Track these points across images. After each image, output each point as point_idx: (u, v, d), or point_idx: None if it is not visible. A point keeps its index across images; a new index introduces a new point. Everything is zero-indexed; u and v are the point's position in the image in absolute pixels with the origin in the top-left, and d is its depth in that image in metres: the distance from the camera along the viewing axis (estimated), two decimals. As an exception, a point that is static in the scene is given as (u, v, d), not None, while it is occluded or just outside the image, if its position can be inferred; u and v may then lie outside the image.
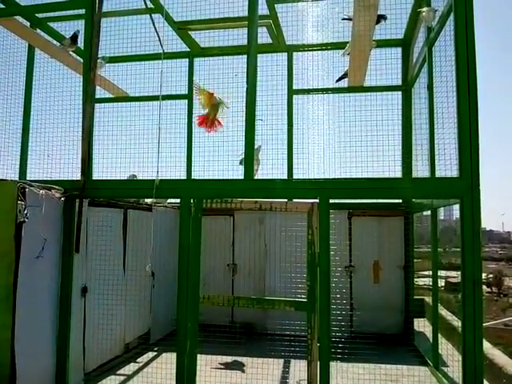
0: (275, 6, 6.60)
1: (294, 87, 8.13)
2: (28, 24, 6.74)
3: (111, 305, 5.79)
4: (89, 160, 5.23)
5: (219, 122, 6.47)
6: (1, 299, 4.28)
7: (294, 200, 5.14)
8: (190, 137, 8.31)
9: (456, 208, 4.64)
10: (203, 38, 7.86)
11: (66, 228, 5.08)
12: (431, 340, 6.25)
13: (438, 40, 5.58)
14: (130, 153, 7.81)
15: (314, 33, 7.42)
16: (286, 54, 8.08)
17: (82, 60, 6.12)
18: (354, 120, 7.56)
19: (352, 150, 7.43)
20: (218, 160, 7.81)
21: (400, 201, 7.64)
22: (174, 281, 4.99)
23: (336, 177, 6.27)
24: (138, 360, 6.55)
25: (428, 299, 8.00)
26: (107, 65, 7.61)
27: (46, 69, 7.32)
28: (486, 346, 6.24)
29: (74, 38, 6.65)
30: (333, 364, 4.63)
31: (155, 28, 5.82)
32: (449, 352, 5.82)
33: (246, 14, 5.32)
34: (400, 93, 7.92)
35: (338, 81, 7.53)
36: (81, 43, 6.28)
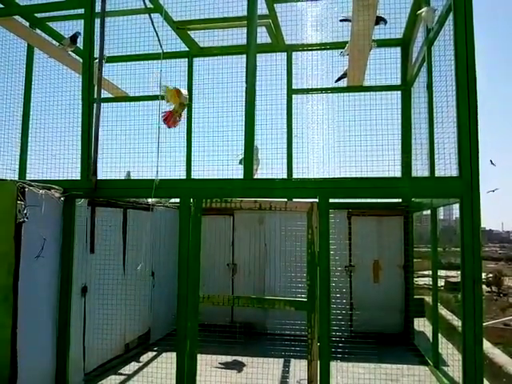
0: (274, 5, 6.60)
1: (294, 87, 8.14)
2: (27, 24, 6.73)
3: (111, 304, 5.79)
4: (95, 160, 5.23)
5: (180, 118, 6.44)
6: (0, 299, 4.27)
7: (294, 199, 5.14)
8: (189, 136, 8.31)
9: (456, 207, 4.65)
10: (202, 38, 7.86)
11: (65, 228, 5.08)
12: (431, 339, 6.26)
13: (438, 39, 5.58)
14: (129, 153, 7.81)
15: (314, 32, 7.45)
16: (286, 53, 8.09)
17: (81, 60, 6.13)
18: (353, 119, 7.58)
19: (351, 150, 7.44)
20: (218, 159, 7.82)
21: (400, 200, 7.65)
22: (174, 280, 4.99)
23: (335, 176, 6.26)
24: (139, 360, 6.55)
25: (428, 299, 8.01)
26: (106, 64, 7.60)
27: (46, 68, 7.32)
28: (486, 345, 6.24)
29: (74, 38, 6.64)
30: (333, 363, 4.64)
31: (154, 28, 5.82)
32: (449, 351, 5.82)
33: (245, 13, 5.32)
34: (399, 92, 7.93)
35: (337, 81, 7.53)
36: (80, 43, 6.28)
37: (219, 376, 5.38)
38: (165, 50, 6.26)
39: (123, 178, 7.40)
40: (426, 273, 9.16)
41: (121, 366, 6.22)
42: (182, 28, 7.09)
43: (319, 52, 7.85)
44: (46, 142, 7.16)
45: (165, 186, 5.01)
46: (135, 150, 7.81)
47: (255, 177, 5.76)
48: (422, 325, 7.73)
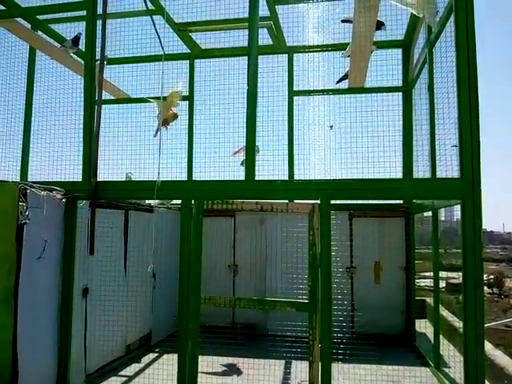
0: (276, 7, 6.61)
1: (295, 88, 8.15)
2: (29, 26, 6.75)
3: (112, 306, 5.80)
4: (95, 162, 5.24)
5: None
6: (2, 301, 4.28)
7: (295, 201, 5.14)
8: (190, 138, 8.32)
9: (457, 209, 4.64)
10: (204, 40, 7.87)
11: (67, 229, 5.09)
12: (432, 341, 6.25)
13: (439, 41, 5.59)
14: (131, 154, 7.82)
15: (315, 34, 7.44)
16: (287, 55, 8.10)
17: (82, 61, 6.14)
18: (354, 121, 7.58)
19: (353, 151, 7.44)
20: (219, 161, 7.83)
21: (401, 202, 7.65)
22: (176, 282, 4.99)
23: (337, 178, 6.27)
24: (140, 361, 6.55)
25: (429, 300, 8.00)
26: (108, 66, 7.63)
27: (47, 70, 7.33)
28: (488, 346, 6.23)
29: (76, 40, 6.65)
30: (334, 365, 4.63)
31: (156, 29, 5.84)
32: (450, 353, 5.81)
33: (246, 15, 5.34)
34: (400, 94, 7.93)
35: (338, 82, 7.54)
36: (82, 45, 6.30)
37: (220, 377, 5.38)
38: (166, 52, 6.28)
39: (124, 179, 7.41)
40: (427, 274, 9.16)
41: (122, 368, 6.22)
42: (183, 30, 7.10)
43: (320, 54, 7.85)
44: (47, 144, 7.17)
45: (166, 187, 5.02)
46: (137, 152, 7.82)
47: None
48: (424, 326, 7.73)
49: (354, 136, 7.49)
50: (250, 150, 4.97)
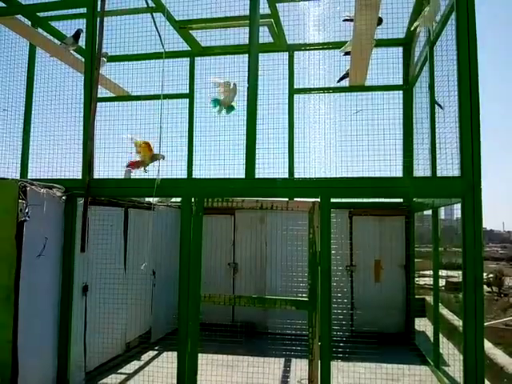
0: (276, 5, 6.59)
1: (295, 86, 8.14)
2: (29, 23, 6.74)
3: (112, 303, 5.80)
4: (90, 159, 5.24)
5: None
6: (2, 299, 4.28)
7: (295, 199, 5.14)
8: (190, 136, 8.31)
9: (457, 207, 4.64)
10: (204, 37, 7.85)
11: (67, 227, 5.09)
12: (432, 339, 6.25)
13: (440, 39, 5.58)
14: (131, 152, 7.80)
15: (315, 32, 7.42)
16: (287, 53, 8.08)
17: (83, 58, 6.13)
18: (355, 119, 7.57)
19: (353, 150, 7.43)
20: (219, 159, 7.82)
21: (401, 200, 7.64)
22: (175, 280, 5.00)
23: (337, 176, 6.27)
24: (139, 359, 6.55)
25: (429, 298, 8.00)
26: (108, 63, 7.61)
27: (48, 67, 7.32)
28: (487, 345, 6.24)
29: (77, 35, 6.63)
30: (334, 363, 4.64)
31: (156, 27, 5.83)
32: (449, 351, 5.82)
33: (247, 13, 5.32)
34: (401, 92, 7.92)
35: (339, 81, 7.53)
36: (82, 42, 6.28)
37: (220, 375, 5.38)
38: (167, 50, 6.27)
39: (123, 176, 7.40)
40: (427, 273, 9.16)
41: (122, 365, 6.23)
42: (184, 27, 7.08)
43: (321, 51, 7.84)
44: (47, 141, 7.16)
45: (166, 185, 5.01)
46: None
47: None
48: (423, 325, 7.73)
49: (354, 134, 7.48)
50: (250, 147, 4.96)
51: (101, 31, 5.25)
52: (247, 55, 5.13)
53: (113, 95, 8.25)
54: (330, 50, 7.73)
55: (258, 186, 4.91)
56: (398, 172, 7.34)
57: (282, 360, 6.39)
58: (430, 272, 6.48)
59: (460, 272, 4.39)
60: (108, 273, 5.79)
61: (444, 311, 7.56)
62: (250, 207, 4.99)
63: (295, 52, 8.10)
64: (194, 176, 8.14)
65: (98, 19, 5.29)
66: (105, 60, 7.14)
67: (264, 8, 6.37)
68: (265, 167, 7.48)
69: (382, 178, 6.19)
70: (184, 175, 8.11)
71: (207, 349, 5.46)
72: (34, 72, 7.15)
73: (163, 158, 6.16)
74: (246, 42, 5.26)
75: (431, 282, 6.49)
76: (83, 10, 5.57)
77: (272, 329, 7.39)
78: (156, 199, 7.08)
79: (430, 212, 6.38)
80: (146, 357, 6.67)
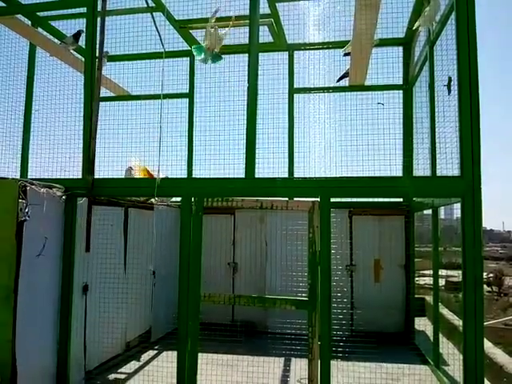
0: (276, 4, 6.59)
1: (295, 86, 8.14)
2: (29, 22, 6.74)
3: (112, 303, 5.80)
4: (92, 159, 5.24)
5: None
6: (2, 298, 4.28)
7: (295, 199, 5.14)
8: (190, 135, 8.32)
9: (457, 207, 4.64)
10: (204, 37, 7.83)
11: (66, 226, 5.09)
12: (432, 339, 6.26)
13: (440, 39, 5.58)
14: (131, 151, 7.82)
15: (315, 31, 7.42)
16: (287, 52, 8.09)
17: (83, 58, 6.13)
18: (354, 119, 7.58)
19: (353, 149, 7.44)
20: (219, 158, 7.82)
21: (401, 200, 7.64)
22: (175, 279, 5.00)
23: (337, 176, 6.26)
24: (139, 358, 6.56)
25: (429, 298, 8.00)
26: (108, 63, 7.62)
27: (48, 67, 7.32)
28: (487, 345, 6.25)
29: (77, 36, 6.63)
30: (333, 362, 4.64)
31: (156, 27, 5.83)
32: (449, 351, 5.82)
33: (247, 12, 5.32)
34: (401, 92, 7.92)
35: (339, 80, 7.54)
36: (82, 42, 6.28)
37: (220, 375, 5.38)
38: (166, 49, 6.27)
39: (124, 175, 7.41)
40: (426, 272, 9.15)
41: (122, 365, 6.23)
42: (184, 27, 7.08)
43: (321, 51, 7.85)
44: (47, 141, 7.17)
45: (166, 184, 5.01)
46: (137, 149, 7.82)
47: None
48: (423, 324, 7.74)
49: (354, 134, 7.50)
50: (250, 147, 4.96)
51: (102, 30, 5.25)
52: (247, 55, 5.12)
53: (113, 95, 8.26)
54: (329, 49, 7.74)
55: (258, 186, 4.91)
56: (397, 171, 7.35)
57: (282, 359, 6.40)
58: (430, 272, 6.48)
59: (460, 272, 4.39)
60: (108, 272, 5.79)
61: (444, 311, 7.57)
62: (249, 207, 4.99)
63: (295, 51, 8.11)
64: (193, 176, 8.15)
65: (99, 19, 5.28)
66: (105, 60, 7.15)
67: (264, 8, 6.38)
68: (265, 167, 7.49)
69: (382, 177, 6.17)
70: (184, 175, 8.12)
71: (207, 348, 5.46)
72: (34, 71, 7.16)
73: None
74: (246, 41, 5.26)
75: (431, 282, 6.49)
76: (83, 10, 5.55)
77: (272, 328, 7.38)
78: (156, 199, 7.08)
79: (429, 211, 6.38)
80: (145, 356, 6.67)
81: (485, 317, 4.37)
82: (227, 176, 6.36)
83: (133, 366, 6.24)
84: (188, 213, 4.83)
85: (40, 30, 6.94)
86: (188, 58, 8.34)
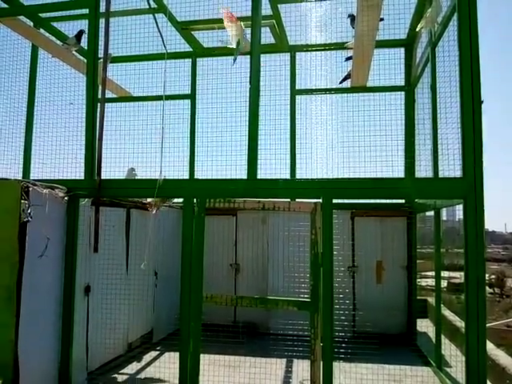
0: (278, 6, 6.60)
1: (297, 87, 8.15)
2: (31, 24, 6.75)
3: (114, 304, 5.80)
4: (99, 160, 5.25)
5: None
6: (4, 299, 4.29)
7: (297, 200, 5.14)
8: (192, 136, 8.32)
9: (459, 208, 4.64)
10: (206, 38, 7.86)
11: (69, 227, 5.10)
12: (434, 340, 6.25)
13: (442, 40, 5.58)
14: (133, 152, 7.84)
15: (317, 33, 7.42)
16: (289, 54, 8.09)
17: (85, 59, 6.15)
18: (356, 120, 7.58)
19: (355, 150, 7.44)
20: (221, 160, 7.83)
21: (403, 201, 7.64)
22: (177, 280, 5.00)
23: (339, 177, 6.26)
24: (141, 359, 6.56)
25: (431, 300, 7.99)
26: (110, 64, 7.62)
27: (50, 68, 7.34)
28: (489, 346, 6.23)
29: (79, 36, 6.64)
30: (336, 364, 4.63)
31: (158, 28, 5.83)
32: (452, 352, 5.81)
33: (249, 14, 5.32)
34: (403, 93, 7.92)
35: (341, 82, 7.55)
36: (85, 43, 6.30)
37: (222, 376, 5.38)
38: (169, 51, 6.28)
39: (126, 176, 7.42)
40: (429, 274, 9.14)
41: (123, 366, 6.23)
42: (186, 28, 7.09)
43: (323, 52, 7.85)
44: (50, 142, 7.18)
45: (168, 186, 5.02)
46: (139, 150, 7.84)
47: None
48: (425, 326, 7.72)
49: (356, 135, 7.50)
50: (252, 148, 4.96)
51: (106, 32, 5.26)
52: (249, 56, 5.13)
53: (115, 96, 8.28)
54: (331, 50, 7.74)
55: (260, 187, 4.91)
56: (399, 173, 7.35)
57: (284, 361, 6.39)
58: (432, 273, 6.47)
59: (462, 273, 4.39)
60: (110, 273, 5.80)
61: (446, 312, 7.56)
62: (251, 208, 4.99)
63: (297, 53, 8.11)
64: (195, 177, 8.15)
65: (104, 20, 5.29)
66: (108, 61, 7.16)
67: (266, 9, 6.38)
68: (267, 168, 7.48)
69: (384, 178, 6.19)
70: (186, 176, 8.13)
71: (209, 349, 5.45)
72: (36, 72, 7.17)
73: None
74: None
75: (433, 283, 6.48)
76: (86, 11, 5.56)
77: (274, 329, 7.39)
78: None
79: (431, 213, 6.37)
80: (147, 357, 6.67)
81: (487, 318, 4.36)
82: (229, 177, 6.37)
83: (135, 366, 6.24)
84: (190, 214, 4.84)
85: (42, 31, 6.95)
86: (190, 60, 8.35)
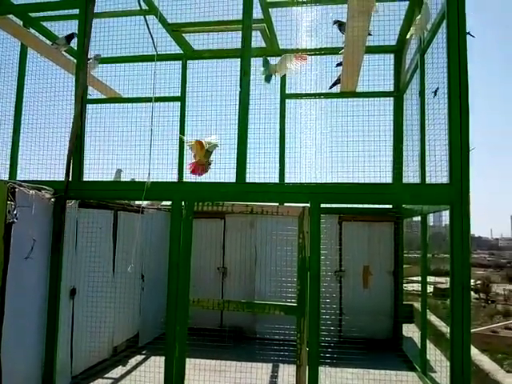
0: (269, 10, 6.62)
1: (287, 91, 8.17)
2: (21, 23, 6.69)
3: (100, 307, 5.75)
4: (80, 161, 5.21)
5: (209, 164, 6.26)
6: (-12, 300, 4.23)
7: (286, 204, 5.14)
8: (182, 139, 8.29)
9: (446, 214, 4.67)
10: (197, 41, 7.86)
11: (55, 229, 5.04)
12: (419, 345, 6.28)
13: (431, 47, 5.63)
14: (121, 154, 7.79)
15: (308, 37, 7.45)
16: (280, 58, 8.09)
17: (74, 60, 6.11)
18: (345, 125, 7.62)
19: (343, 155, 7.47)
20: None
21: (390, 206, 7.69)
22: (164, 283, 4.97)
23: (327, 181, 6.28)
24: (126, 363, 6.50)
25: (417, 305, 8.03)
26: (100, 65, 7.59)
27: (39, 68, 7.28)
28: (474, 351, 6.28)
29: (69, 38, 6.61)
30: (321, 369, 4.62)
31: (149, 29, 5.81)
32: (437, 357, 5.84)
33: (240, 17, 5.32)
34: (392, 99, 7.98)
35: (331, 87, 7.57)
36: (74, 43, 6.26)
37: (207, 380, 5.36)
38: (159, 52, 6.26)
39: (114, 178, 7.38)
40: (415, 279, 9.20)
41: (108, 370, 6.17)
42: (176, 30, 7.08)
43: (313, 57, 7.87)
44: (37, 142, 7.11)
45: (156, 188, 4.99)
46: (127, 152, 7.80)
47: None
48: (411, 331, 7.76)
49: (345, 140, 7.54)
50: (242, 151, 4.95)
51: (89, 32, 5.21)
52: (239, 59, 5.13)
53: (104, 97, 8.23)
54: (321, 55, 7.76)
55: (249, 191, 4.89)
56: (387, 178, 7.40)
57: (270, 365, 6.38)
58: (419, 278, 6.51)
59: (448, 278, 4.41)
60: (96, 276, 5.75)
61: (432, 317, 7.60)
62: (240, 211, 4.98)
63: (287, 57, 8.12)
64: (184, 179, 8.12)
65: (85, 21, 5.24)
66: (96, 62, 7.13)
67: (257, 13, 6.39)
68: (255, 172, 7.48)
69: (372, 183, 6.22)
70: (175, 178, 8.09)
71: (195, 353, 5.43)
72: (24, 72, 7.10)
73: (216, 146, 5.59)
74: (239, 46, 5.26)
75: (419, 288, 6.52)
76: (76, 11, 5.52)
77: (260, 334, 7.36)
78: (145, 202, 7.04)
79: (418, 218, 6.42)
80: (133, 361, 6.62)
81: (472, 324, 4.39)
82: (218, 180, 6.35)
83: (120, 370, 6.18)
84: (178, 217, 4.81)
85: (32, 30, 6.90)
86: (180, 62, 8.34)
